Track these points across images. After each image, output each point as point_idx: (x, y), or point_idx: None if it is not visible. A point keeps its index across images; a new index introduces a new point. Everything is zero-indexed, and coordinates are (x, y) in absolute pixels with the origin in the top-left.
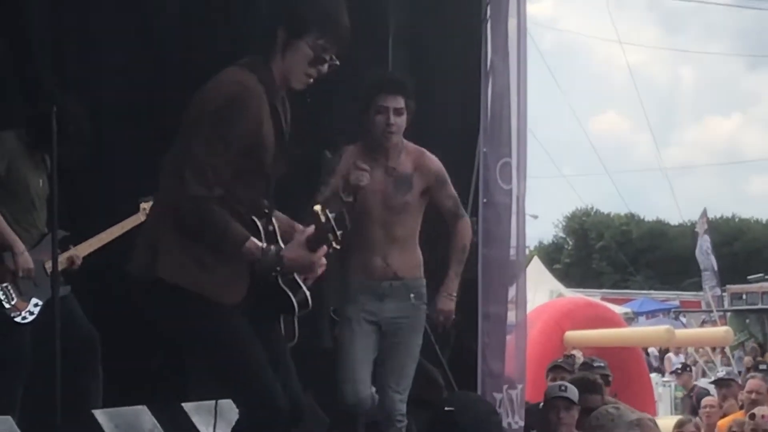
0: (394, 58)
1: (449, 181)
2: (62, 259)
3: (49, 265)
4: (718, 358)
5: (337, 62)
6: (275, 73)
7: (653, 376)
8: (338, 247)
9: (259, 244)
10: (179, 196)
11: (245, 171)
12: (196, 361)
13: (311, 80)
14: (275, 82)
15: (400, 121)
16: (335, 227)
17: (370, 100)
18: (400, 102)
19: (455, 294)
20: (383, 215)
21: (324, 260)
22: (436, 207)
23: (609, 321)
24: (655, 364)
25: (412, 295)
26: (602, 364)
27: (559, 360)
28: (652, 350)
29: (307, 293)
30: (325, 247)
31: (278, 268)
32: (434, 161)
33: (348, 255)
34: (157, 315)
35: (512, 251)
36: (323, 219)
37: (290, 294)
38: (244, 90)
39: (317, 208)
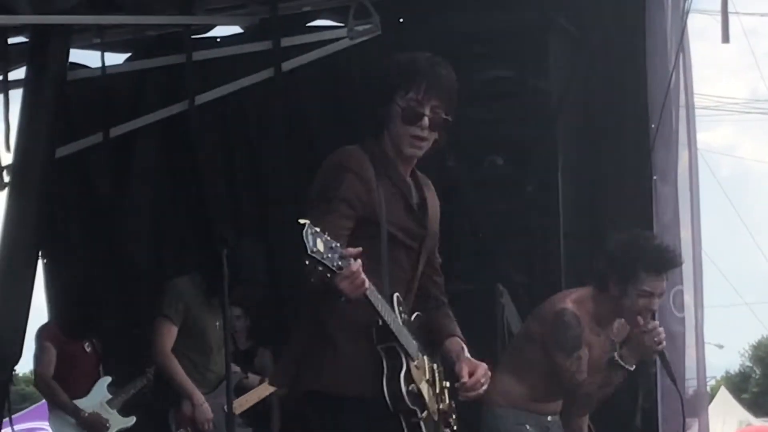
0: (564, 185)
1: None
2: (240, 402)
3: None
4: None
5: (447, 116)
6: (387, 145)
7: None
8: None
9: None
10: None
11: (365, 238)
12: None
13: (423, 142)
14: (387, 154)
15: None
16: None
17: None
18: None
19: None
20: None
21: None
22: None
23: None
24: None
25: None
26: None
27: None
28: None
29: None
30: None
31: None
32: None
33: None
34: None
35: (694, 382)
36: None
37: None
38: (350, 157)
39: None
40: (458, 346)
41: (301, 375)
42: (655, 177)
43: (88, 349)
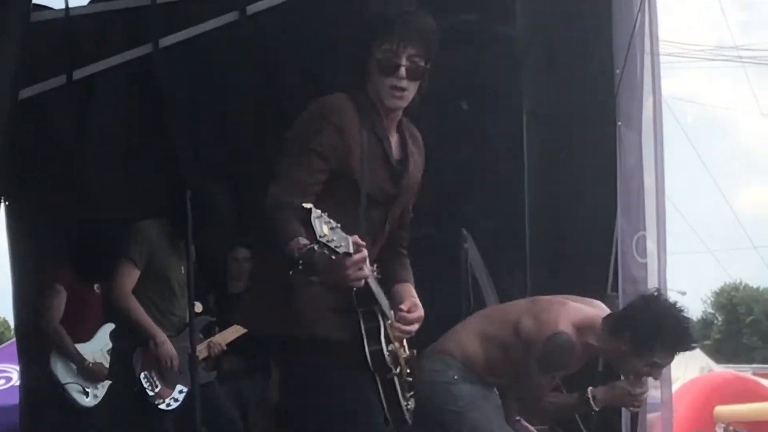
0: (528, 130)
1: None
2: (204, 345)
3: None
4: None
5: (426, 65)
6: (372, 96)
7: None
8: None
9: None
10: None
11: (338, 192)
12: None
13: (404, 92)
14: (375, 106)
15: None
16: None
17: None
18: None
19: None
20: None
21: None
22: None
23: (760, 395)
24: None
25: None
26: None
27: None
28: None
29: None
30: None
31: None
32: None
33: None
34: None
35: None
36: None
37: None
38: (332, 107)
39: None
40: (409, 290)
41: (277, 320)
42: (619, 123)
43: (97, 291)
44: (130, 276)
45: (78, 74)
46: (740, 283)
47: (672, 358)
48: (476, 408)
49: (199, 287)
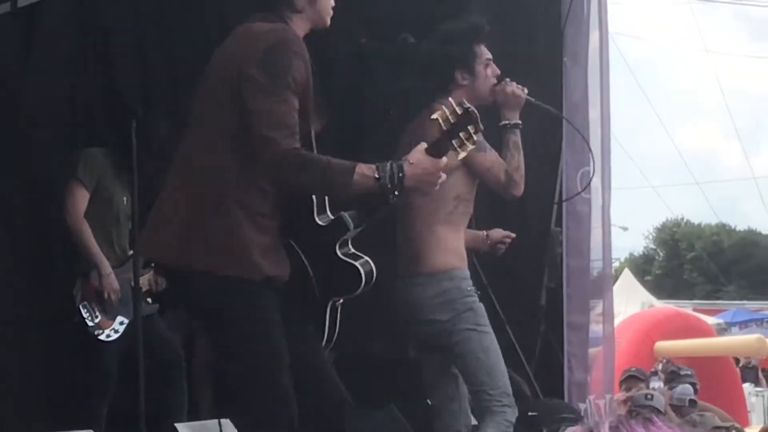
0: None
1: None
2: (148, 277)
3: None
4: None
5: None
6: (296, 24)
7: (746, 386)
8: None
9: (371, 165)
10: (269, 154)
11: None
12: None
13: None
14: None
15: None
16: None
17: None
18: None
19: None
20: None
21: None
22: None
23: (699, 331)
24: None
25: None
26: (689, 372)
27: (632, 369)
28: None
29: (371, 263)
30: (445, 158)
31: (396, 192)
32: None
33: None
34: None
35: (599, 263)
36: (450, 116)
37: (354, 263)
38: (294, 38)
39: (438, 113)
40: None
41: (191, 253)
42: (565, 58)
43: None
44: (83, 198)
45: (23, 1)
46: (682, 219)
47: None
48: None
49: (143, 218)
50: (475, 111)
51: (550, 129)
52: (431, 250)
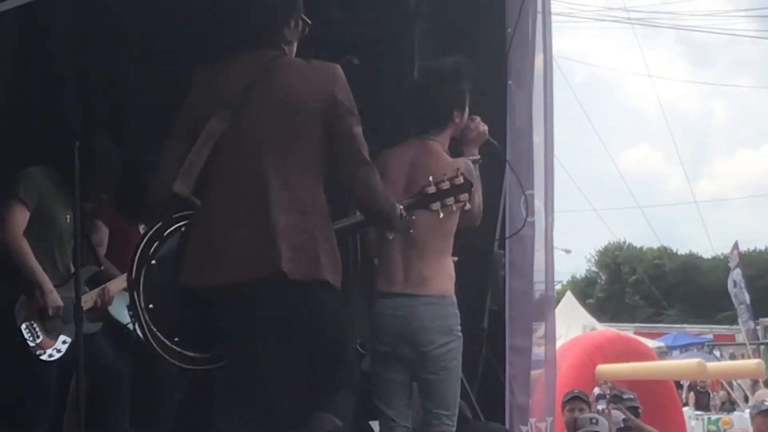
0: None
1: None
2: (92, 295)
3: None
4: None
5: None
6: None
7: (686, 409)
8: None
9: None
10: (365, 173)
11: None
12: None
13: None
14: None
15: None
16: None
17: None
18: None
19: None
20: None
21: None
22: None
23: (640, 354)
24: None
25: None
26: (632, 396)
27: (576, 391)
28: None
29: None
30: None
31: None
32: None
33: None
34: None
35: (542, 285)
36: (451, 181)
37: None
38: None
39: (445, 175)
40: None
41: (321, 267)
42: (510, 81)
43: (142, 231)
44: (23, 217)
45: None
46: (624, 242)
47: None
48: None
49: (84, 237)
50: (470, 181)
51: (494, 152)
52: (439, 275)
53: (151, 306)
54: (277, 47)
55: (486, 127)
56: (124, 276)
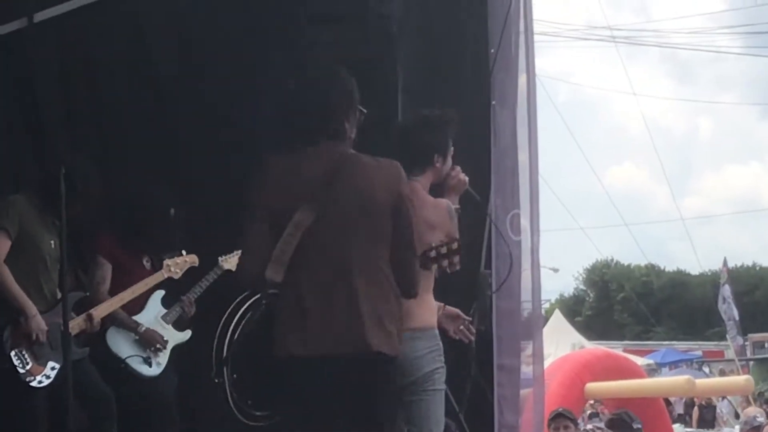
0: (404, 108)
1: None
2: (79, 320)
3: None
4: None
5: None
6: None
7: (676, 426)
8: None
9: None
10: (412, 256)
11: None
12: None
13: None
14: None
15: None
16: None
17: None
18: None
19: None
20: None
21: None
22: None
23: (629, 372)
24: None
25: None
26: (640, 426)
27: (560, 409)
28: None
29: None
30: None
31: None
32: None
33: None
34: None
35: (529, 305)
36: (445, 247)
37: None
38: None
39: (439, 243)
40: None
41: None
42: (493, 102)
43: (146, 264)
44: (3, 244)
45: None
46: (611, 260)
47: None
48: None
49: (70, 262)
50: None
51: (479, 173)
52: (421, 309)
53: (235, 376)
54: (341, 140)
55: (467, 178)
56: (111, 301)
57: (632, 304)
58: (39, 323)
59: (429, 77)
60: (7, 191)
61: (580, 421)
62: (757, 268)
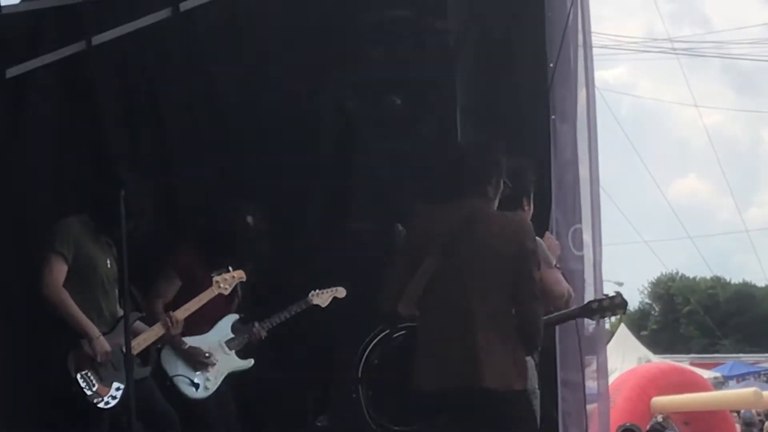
0: (463, 125)
1: None
2: (156, 328)
3: None
4: None
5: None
6: None
7: None
8: None
9: None
10: (538, 311)
11: None
12: None
13: None
14: None
15: None
16: None
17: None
18: None
19: None
20: None
21: None
22: None
23: (695, 385)
24: None
25: None
26: None
27: (627, 424)
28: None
29: None
30: None
31: None
32: None
33: None
34: None
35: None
36: None
37: None
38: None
39: None
40: None
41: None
42: (553, 116)
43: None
44: (61, 270)
45: (11, 72)
46: (676, 273)
47: None
48: None
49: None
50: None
51: (540, 188)
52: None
53: (370, 393)
54: (481, 198)
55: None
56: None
57: (698, 317)
58: (102, 344)
59: (488, 92)
60: (60, 213)
61: None
62: None
